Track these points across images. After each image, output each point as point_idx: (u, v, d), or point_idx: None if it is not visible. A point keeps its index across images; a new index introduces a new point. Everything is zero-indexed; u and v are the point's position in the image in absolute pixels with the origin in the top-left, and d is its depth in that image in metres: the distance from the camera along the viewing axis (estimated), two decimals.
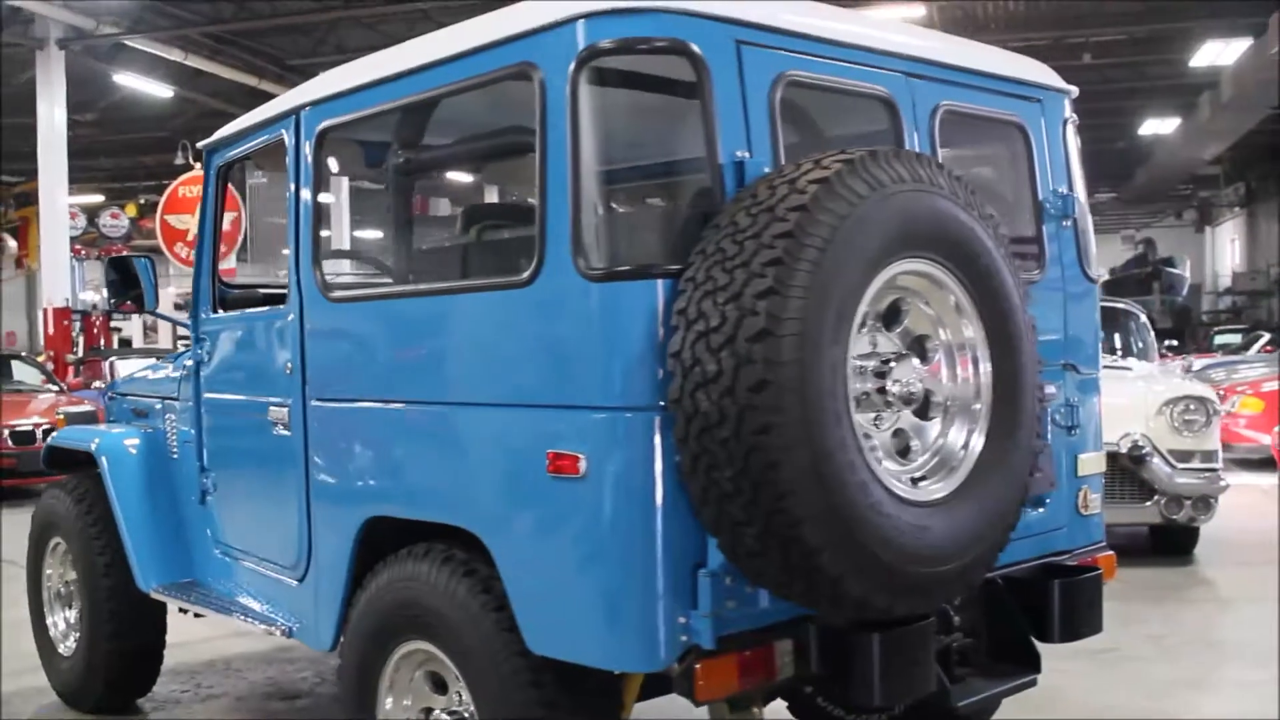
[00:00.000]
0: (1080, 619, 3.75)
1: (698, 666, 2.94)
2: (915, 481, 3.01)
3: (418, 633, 3.49)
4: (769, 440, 2.62)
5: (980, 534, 3.01)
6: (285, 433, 4.16)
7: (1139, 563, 8.42)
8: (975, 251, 3.04)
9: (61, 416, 6.24)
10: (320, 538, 4.02)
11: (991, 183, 4.34)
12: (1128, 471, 8.10)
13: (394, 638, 3.57)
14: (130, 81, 21.37)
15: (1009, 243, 3.19)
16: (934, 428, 3.11)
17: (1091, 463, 4.09)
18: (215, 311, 4.79)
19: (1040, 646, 3.71)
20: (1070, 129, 4.12)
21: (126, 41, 19.53)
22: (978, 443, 3.09)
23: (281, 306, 4.16)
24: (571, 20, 3.04)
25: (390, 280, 4.23)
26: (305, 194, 4.00)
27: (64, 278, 19.24)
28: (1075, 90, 4.19)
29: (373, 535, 3.74)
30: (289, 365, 4.10)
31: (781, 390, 2.61)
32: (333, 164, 3.93)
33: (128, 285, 4.92)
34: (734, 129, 3.08)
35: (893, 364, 2.99)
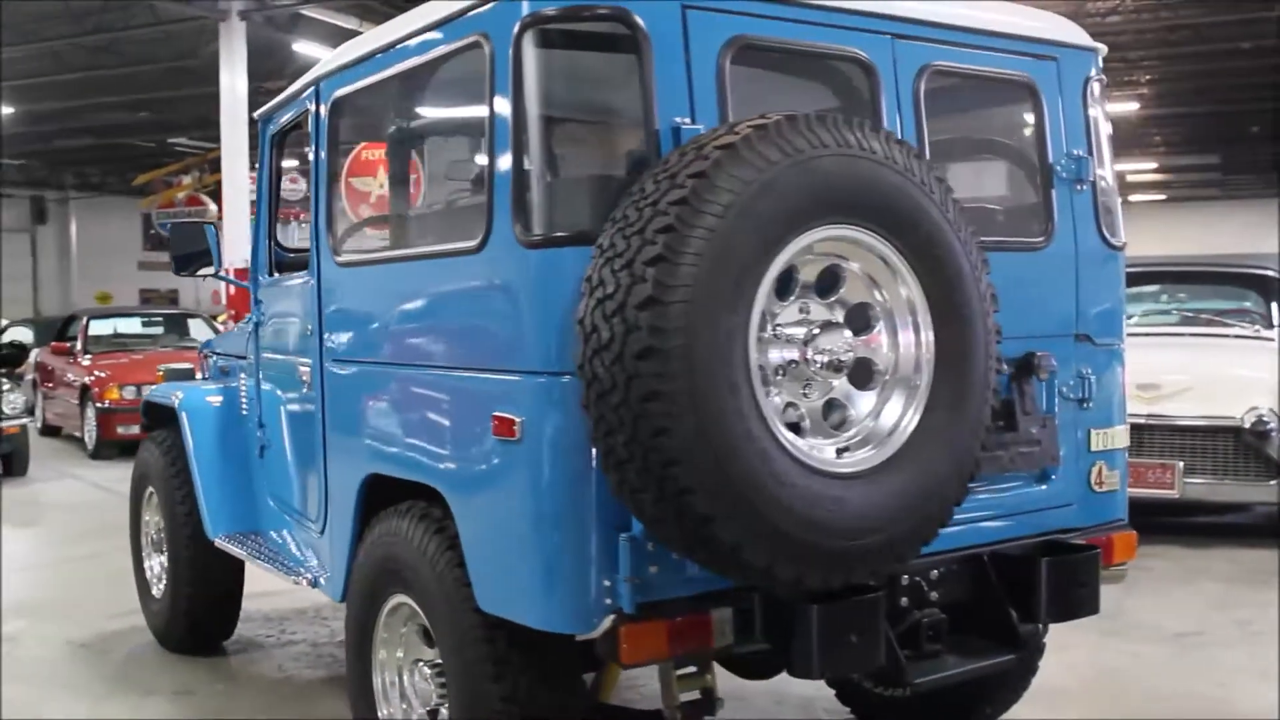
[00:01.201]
0: (1071, 599, 3.62)
1: (621, 630, 2.96)
2: (840, 452, 2.95)
3: (399, 586, 3.62)
4: (655, 407, 2.61)
5: (910, 508, 2.93)
6: (310, 391, 4.35)
7: (1260, 544, 7.99)
8: (913, 218, 2.94)
9: (161, 373, 6.59)
10: (334, 493, 4.19)
11: (991, 145, 4.18)
12: (1251, 447, 7.66)
13: (382, 591, 3.71)
14: (309, 50, 22.17)
15: (961, 209, 3.07)
16: (868, 399, 3.03)
17: (1108, 437, 3.92)
18: (271, 275, 5.01)
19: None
20: (1095, 88, 3.92)
21: (305, 11, 20.27)
22: (914, 415, 3.00)
23: (307, 271, 4.34)
24: None
25: (386, 246, 4.34)
26: (322, 159, 4.15)
27: (245, 240, 20.19)
28: (1103, 48, 3.99)
29: (375, 491, 3.87)
30: (309, 327, 4.27)
31: (668, 358, 2.60)
32: (346, 132, 4.06)
33: (193, 250, 5.18)
34: (675, 95, 3.06)
35: (818, 332, 2.94)
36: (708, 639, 3.09)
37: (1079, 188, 3.83)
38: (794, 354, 2.95)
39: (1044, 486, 3.78)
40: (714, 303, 2.64)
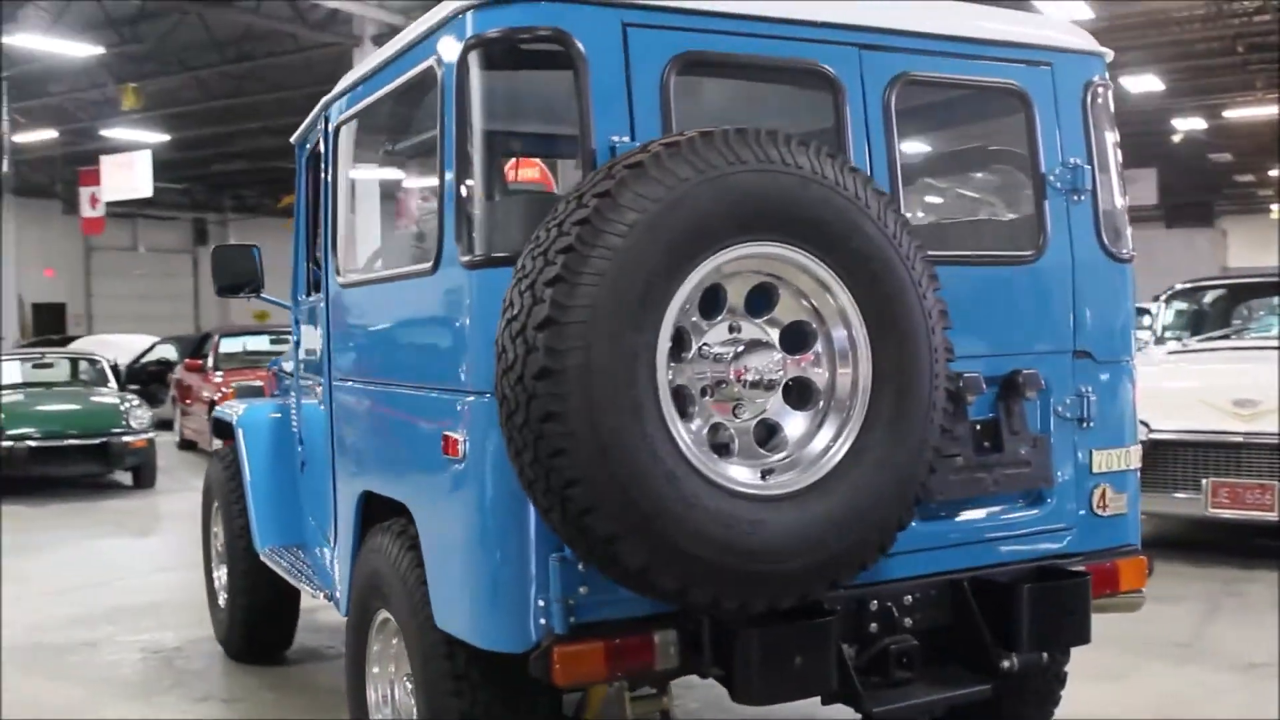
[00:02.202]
0: (1056, 628, 3.46)
1: (555, 650, 2.95)
2: (766, 474, 2.89)
3: (381, 601, 3.67)
4: (552, 428, 2.60)
5: (843, 531, 2.85)
6: (323, 409, 4.45)
7: None
8: (844, 233, 2.86)
9: (232, 389, 6.82)
10: (340, 508, 4.28)
11: (977, 155, 4.02)
12: None
13: (370, 605, 3.78)
14: None
15: (904, 222, 2.98)
16: (801, 419, 2.96)
17: (1114, 459, 3.75)
18: (308, 295, 5.14)
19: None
20: (1096, 94, 3.75)
21: None
22: (848, 436, 2.92)
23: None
24: (462, 12, 3.11)
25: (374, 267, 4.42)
26: (329, 181, 4.25)
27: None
28: (1108, 53, 3.82)
29: (372, 508, 3.94)
30: (321, 346, 4.38)
31: (564, 378, 2.58)
32: (348, 155, 4.15)
33: (235, 272, 5.34)
34: (614, 113, 3.05)
35: (743, 350, 2.88)
36: (649, 661, 3.05)
37: (1076, 198, 3.67)
38: (721, 373, 2.89)
39: (1038, 510, 3.64)
40: (615, 322, 2.62)
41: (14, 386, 13.32)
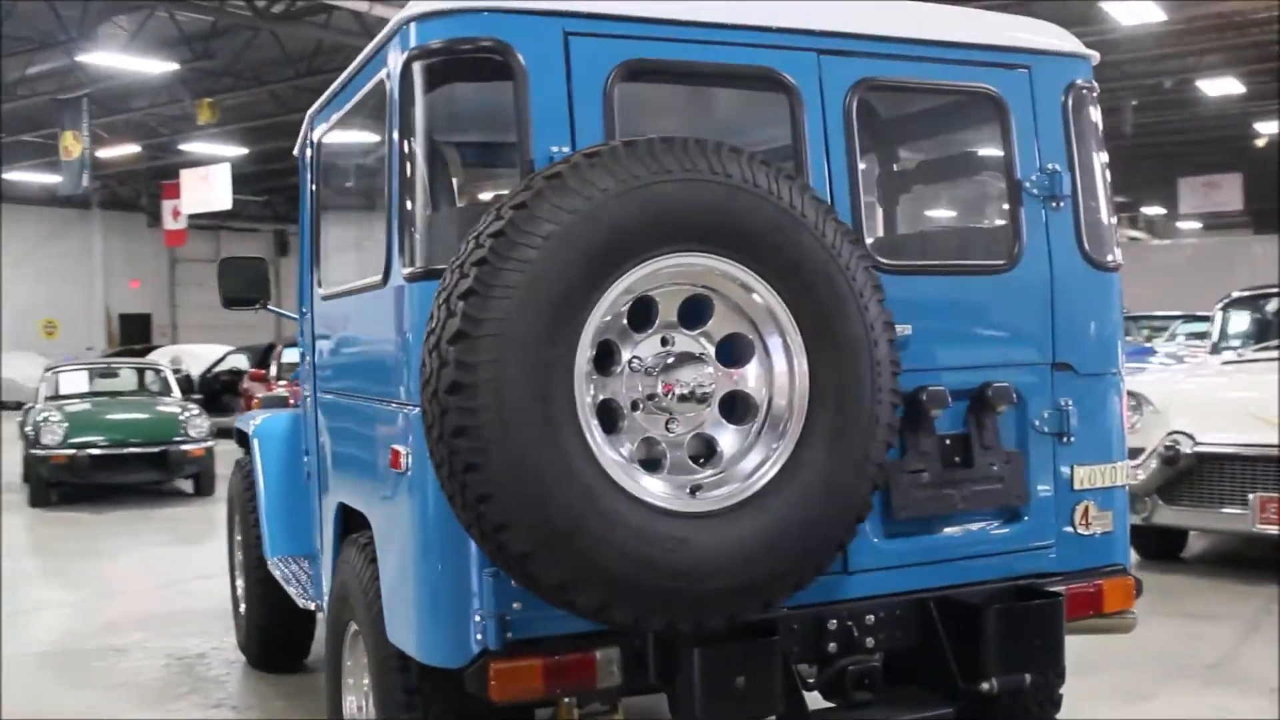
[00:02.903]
0: (1024, 650, 3.33)
1: (491, 666, 2.91)
2: (695, 490, 2.82)
3: (350, 613, 3.67)
4: (463, 443, 2.56)
5: (776, 550, 2.77)
6: (310, 419, 4.47)
7: None
8: (775, 243, 2.79)
9: (258, 400, 6.89)
10: (324, 519, 4.29)
11: (947, 161, 3.90)
12: None
13: (341, 617, 3.78)
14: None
15: (844, 232, 2.89)
16: (736, 434, 2.89)
17: (1098, 474, 3.61)
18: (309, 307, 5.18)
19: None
20: (1078, 97, 3.62)
21: None
22: (783, 451, 2.84)
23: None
24: (406, 24, 3.09)
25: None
26: (311, 192, 4.27)
27: None
28: (1093, 55, 3.69)
29: (348, 520, 3.94)
30: (308, 357, 4.40)
31: (475, 392, 2.55)
32: (327, 167, 4.16)
33: (242, 284, 5.39)
34: (555, 123, 3.01)
35: (672, 363, 2.82)
36: (591, 679, 3.00)
37: (1055, 205, 3.55)
38: (651, 387, 2.83)
39: (1014, 528, 3.52)
40: (529, 336, 2.57)
41: (81, 396, 13.65)
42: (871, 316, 2.89)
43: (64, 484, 12.43)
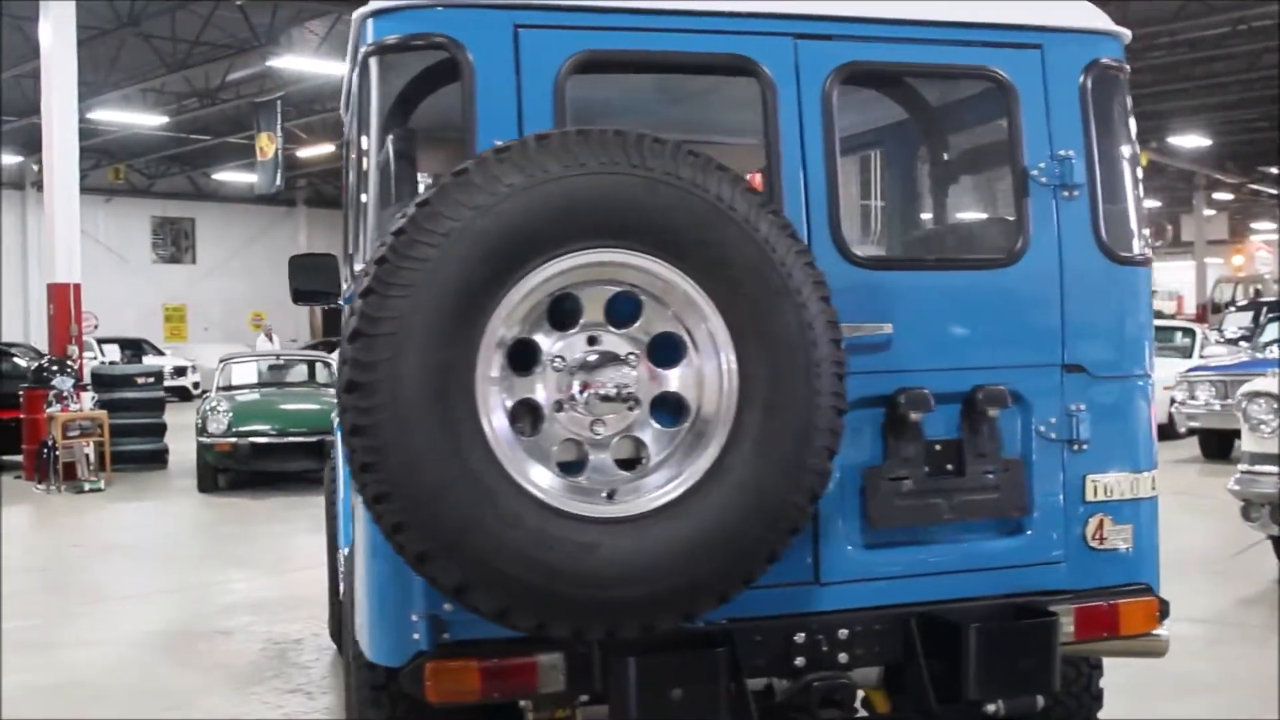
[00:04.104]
0: (1009, 673, 3.09)
1: (426, 667, 2.88)
2: (610, 495, 2.70)
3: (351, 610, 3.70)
4: (359, 442, 2.53)
5: (695, 558, 2.63)
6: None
7: None
8: (699, 238, 2.65)
9: None
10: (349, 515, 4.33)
11: (941, 149, 3.63)
12: None
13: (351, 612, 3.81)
14: None
15: (782, 225, 2.73)
16: (664, 437, 2.76)
17: (1114, 486, 3.33)
18: None
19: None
20: (1100, 77, 3.34)
21: None
22: (707, 455, 2.70)
23: None
24: (364, 20, 3.09)
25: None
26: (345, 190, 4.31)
27: None
28: (1124, 32, 3.39)
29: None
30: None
31: (371, 392, 2.51)
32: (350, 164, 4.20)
33: (312, 279, 5.49)
34: (502, 117, 2.94)
35: (594, 362, 2.71)
36: (531, 683, 2.94)
37: (1068, 194, 3.28)
38: (570, 388, 2.73)
39: (1015, 541, 3.29)
40: (426, 335, 2.52)
41: (251, 386, 14.28)
42: (810, 315, 2.72)
43: (228, 470, 13.01)
